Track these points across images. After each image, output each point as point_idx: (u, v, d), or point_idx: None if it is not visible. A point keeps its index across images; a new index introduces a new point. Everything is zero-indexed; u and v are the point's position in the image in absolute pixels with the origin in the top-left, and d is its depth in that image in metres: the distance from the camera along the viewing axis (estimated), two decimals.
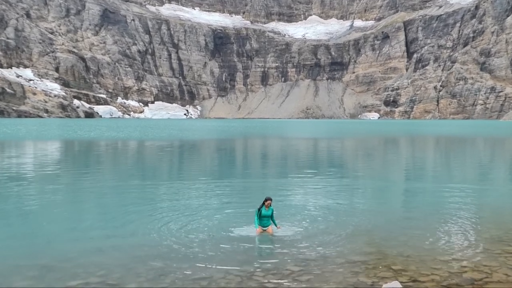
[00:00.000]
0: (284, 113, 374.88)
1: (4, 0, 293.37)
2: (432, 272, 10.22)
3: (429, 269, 10.40)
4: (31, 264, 10.77)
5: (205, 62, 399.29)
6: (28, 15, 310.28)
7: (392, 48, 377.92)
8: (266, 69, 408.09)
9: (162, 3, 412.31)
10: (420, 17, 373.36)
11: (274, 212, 13.71)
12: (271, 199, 13.56)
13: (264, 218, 13.42)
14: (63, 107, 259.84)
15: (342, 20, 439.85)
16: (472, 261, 11.03)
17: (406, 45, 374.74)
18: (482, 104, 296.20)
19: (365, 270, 10.41)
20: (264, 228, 13.45)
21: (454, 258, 11.32)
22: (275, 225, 13.55)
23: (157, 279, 9.81)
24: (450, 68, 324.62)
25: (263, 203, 13.43)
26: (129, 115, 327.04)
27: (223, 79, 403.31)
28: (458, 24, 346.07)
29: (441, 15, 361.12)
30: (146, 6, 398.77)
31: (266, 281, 9.76)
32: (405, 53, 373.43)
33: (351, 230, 14.04)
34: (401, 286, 9.20)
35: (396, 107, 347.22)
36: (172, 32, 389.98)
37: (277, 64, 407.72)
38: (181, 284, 9.55)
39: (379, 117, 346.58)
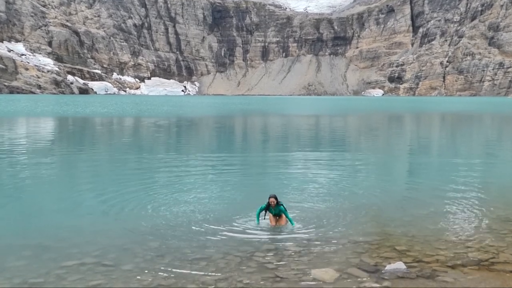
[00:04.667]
0: (285, 90, 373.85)
1: None
2: (437, 252, 10.24)
3: (433, 250, 10.42)
4: (25, 244, 10.78)
5: (203, 37, 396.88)
6: None
7: (397, 22, 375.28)
8: (266, 44, 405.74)
9: None
10: None
11: (286, 210, 12.31)
12: (275, 197, 12.12)
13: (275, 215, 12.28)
14: (56, 83, 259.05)
15: None
16: (478, 242, 11.04)
17: (412, 19, 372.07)
18: (490, 81, 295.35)
19: (368, 250, 10.43)
20: (277, 217, 12.34)
21: (460, 238, 11.34)
22: (292, 224, 12.16)
23: (155, 260, 9.83)
24: (457, 43, 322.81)
25: (268, 202, 12.12)
26: (125, 91, 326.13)
27: (222, 54, 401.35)
28: None
29: None
30: None
31: (266, 261, 9.79)
32: (411, 28, 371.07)
33: (354, 209, 14.04)
34: (405, 267, 9.23)
35: (401, 84, 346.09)
36: (169, 5, 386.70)
37: (278, 39, 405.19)
38: (179, 264, 9.57)
39: (383, 94, 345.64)
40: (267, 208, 12.18)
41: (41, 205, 14.72)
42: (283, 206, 12.27)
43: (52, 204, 14.88)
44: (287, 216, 12.26)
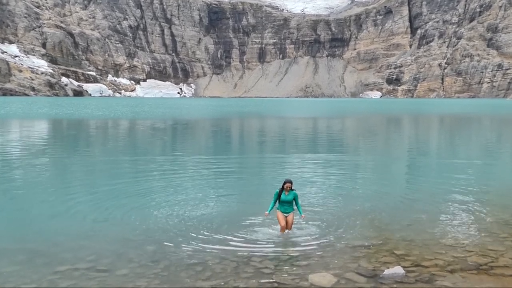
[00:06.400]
0: (282, 92, 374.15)
1: None
2: (436, 256, 10.24)
3: (432, 254, 10.41)
4: (18, 248, 10.74)
5: (200, 38, 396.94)
6: None
7: (395, 24, 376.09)
8: (263, 45, 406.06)
9: None
10: None
11: (298, 197, 12.18)
12: (291, 182, 11.95)
13: (284, 204, 11.95)
14: (50, 85, 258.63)
15: None
16: (477, 245, 11.05)
17: (410, 21, 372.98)
18: (489, 82, 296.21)
19: (366, 255, 10.42)
20: (286, 214, 12.00)
21: (459, 242, 11.33)
22: (300, 212, 11.98)
23: (150, 265, 9.79)
24: (456, 45, 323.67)
25: (282, 186, 11.93)
26: (120, 93, 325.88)
27: (218, 56, 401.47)
28: None
29: None
30: None
31: (263, 266, 9.76)
32: (409, 29, 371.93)
33: (352, 213, 14.03)
34: (403, 271, 9.22)
35: (399, 86, 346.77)
36: (164, 6, 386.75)
37: (274, 41, 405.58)
38: (174, 269, 9.54)
39: (381, 96, 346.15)
40: (280, 194, 11.93)
41: (34, 209, 14.65)
42: (296, 193, 12.16)
43: (45, 208, 14.80)
44: (297, 204, 12.01)
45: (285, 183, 11.88)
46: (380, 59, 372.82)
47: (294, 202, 12.05)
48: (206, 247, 10.92)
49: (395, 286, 8.74)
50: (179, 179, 19.43)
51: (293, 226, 12.23)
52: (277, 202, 12.07)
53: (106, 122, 60.40)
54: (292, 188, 12.01)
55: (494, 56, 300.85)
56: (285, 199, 11.91)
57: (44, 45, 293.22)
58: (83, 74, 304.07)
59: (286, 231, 11.99)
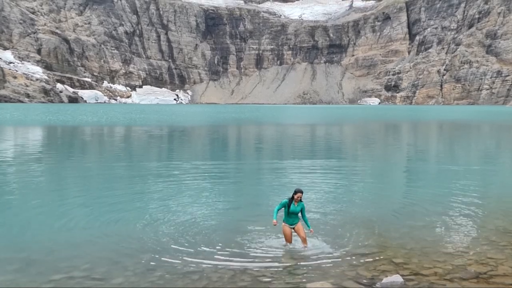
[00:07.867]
0: (280, 98, 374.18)
1: None
2: (435, 265, 10.24)
3: (431, 262, 10.41)
4: (11, 257, 10.71)
5: (196, 44, 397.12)
6: None
7: (394, 30, 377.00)
8: (260, 51, 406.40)
9: None
10: None
11: (305, 208, 11.82)
12: (301, 192, 11.44)
13: (292, 215, 11.48)
14: (45, 92, 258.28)
15: (341, 0, 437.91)
16: (476, 254, 11.05)
17: (408, 27, 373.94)
18: (488, 89, 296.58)
19: (365, 263, 10.42)
20: (292, 226, 11.59)
21: (458, 250, 11.34)
22: (308, 226, 11.65)
23: (145, 273, 9.77)
24: (454, 51, 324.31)
25: (293, 196, 11.41)
26: (116, 100, 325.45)
27: (215, 62, 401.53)
28: (463, 5, 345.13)
29: None
30: None
31: (261, 274, 9.75)
32: (407, 35, 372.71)
33: (350, 220, 14.03)
34: (402, 280, 9.22)
35: (398, 92, 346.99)
36: (161, 12, 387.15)
37: (272, 47, 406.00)
38: (170, 278, 9.53)
39: (379, 103, 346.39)
40: (289, 204, 11.46)
41: (28, 217, 14.60)
42: (304, 204, 11.75)
43: (40, 216, 14.77)
44: (303, 216, 11.62)
45: (296, 193, 11.39)
46: (379, 66, 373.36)
47: (300, 213, 11.68)
48: (202, 255, 10.90)
49: None
50: (175, 187, 19.41)
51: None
52: (284, 213, 11.60)
53: (101, 129, 60.34)
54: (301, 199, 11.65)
55: (493, 63, 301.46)
56: (294, 210, 11.47)
57: (39, 51, 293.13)
58: (78, 80, 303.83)
59: (303, 245, 11.54)
